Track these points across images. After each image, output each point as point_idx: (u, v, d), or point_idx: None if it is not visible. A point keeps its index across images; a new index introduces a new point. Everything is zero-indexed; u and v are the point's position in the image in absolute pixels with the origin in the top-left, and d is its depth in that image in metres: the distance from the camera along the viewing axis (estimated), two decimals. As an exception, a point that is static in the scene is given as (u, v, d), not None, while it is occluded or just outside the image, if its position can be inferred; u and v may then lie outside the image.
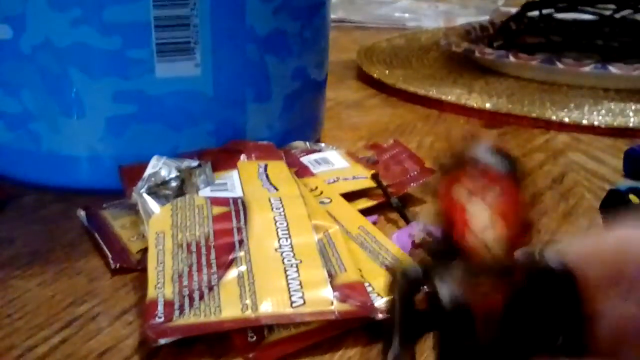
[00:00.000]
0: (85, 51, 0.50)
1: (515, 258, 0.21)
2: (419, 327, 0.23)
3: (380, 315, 0.36)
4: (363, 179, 0.52)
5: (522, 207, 0.21)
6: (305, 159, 0.54)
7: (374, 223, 0.47)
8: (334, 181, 0.51)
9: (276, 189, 0.46)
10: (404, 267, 0.23)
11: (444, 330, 0.22)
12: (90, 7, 0.49)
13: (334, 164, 0.55)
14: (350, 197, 0.49)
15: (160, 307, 0.36)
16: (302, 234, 0.41)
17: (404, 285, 0.22)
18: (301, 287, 0.37)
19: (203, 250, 0.40)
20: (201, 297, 0.36)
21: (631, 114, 0.72)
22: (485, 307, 0.21)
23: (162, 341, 0.34)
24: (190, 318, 0.35)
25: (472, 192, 0.21)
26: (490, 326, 0.21)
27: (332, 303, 0.36)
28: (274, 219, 0.42)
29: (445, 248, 0.22)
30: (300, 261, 0.39)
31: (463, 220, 0.21)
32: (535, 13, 1.05)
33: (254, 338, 0.35)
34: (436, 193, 0.22)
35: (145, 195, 0.45)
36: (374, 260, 0.41)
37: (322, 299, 0.36)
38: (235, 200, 0.45)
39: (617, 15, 1.03)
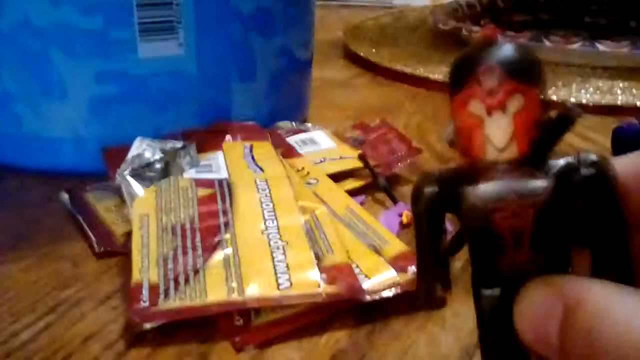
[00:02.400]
0: (66, 31, 0.49)
1: (542, 168, 0.20)
2: (449, 247, 0.22)
3: (367, 297, 0.36)
4: (350, 159, 0.51)
5: (545, 111, 0.20)
6: (292, 140, 0.54)
7: (361, 204, 0.47)
8: (321, 162, 0.51)
9: (262, 170, 0.45)
10: (422, 188, 0.21)
11: (473, 248, 0.21)
12: (70, -14, 0.48)
13: (320, 144, 0.54)
14: (337, 177, 0.49)
15: (145, 291, 0.35)
16: (289, 216, 0.40)
17: (429, 205, 0.21)
18: (288, 269, 0.36)
19: (188, 232, 0.39)
20: (186, 281, 0.36)
21: (619, 91, 0.72)
22: (513, 228, 0.20)
23: (148, 326, 0.34)
24: (175, 302, 0.35)
25: (490, 105, 0.20)
26: (520, 247, 0.20)
27: (319, 285, 0.36)
28: (260, 201, 0.42)
29: (461, 172, 0.20)
30: (287, 243, 0.38)
31: (482, 138, 0.20)
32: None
33: (240, 321, 0.35)
34: (450, 107, 0.20)
35: (129, 178, 0.44)
36: (361, 242, 0.40)
37: (309, 281, 0.36)
38: (220, 181, 0.44)
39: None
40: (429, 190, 0.21)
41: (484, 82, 0.19)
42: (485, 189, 0.20)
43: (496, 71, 0.19)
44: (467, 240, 0.21)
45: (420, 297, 0.22)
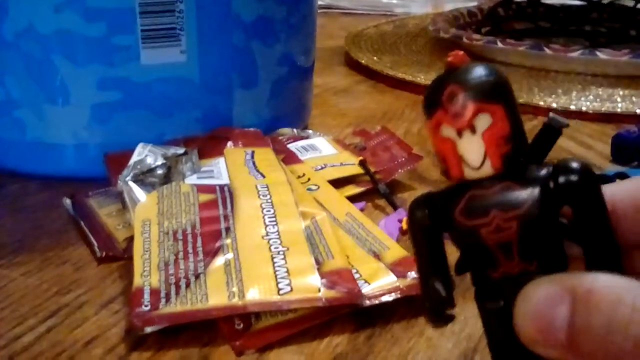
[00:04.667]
0: (69, 38, 0.49)
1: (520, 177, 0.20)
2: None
3: (367, 302, 0.36)
4: (350, 165, 0.52)
5: (515, 124, 0.20)
6: (293, 146, 0.54)
7: (362, 210, 0.47)
8: (322, 168, 0.51)
9: (263, 175, 0.46)
10: (413, 211, 0.22)
11: (469, 263, 0.21)
12: (73, -7, 0.48)
13: (321, 150, 0.54)
14: (337, 183, 0.49)
15: (147, 296, 0.35)
16: (289, 221, 0.41)
17: (421, 227, 0.22)
18: (288, 274, 0.37)
19: (189, 238, 0.40)
20: (187, 285, 0.36)
21: (619, 99, 0.72)
22: (500, 242, 0.20)
23: (149, 329, 0.34)
24: (176, 306, 0.35)
25: (458, 127, 0.20)
26: (511, 259, 0.20)
27: (319, 290, 0.36)
28: (261, 206, 0.42)
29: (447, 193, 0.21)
30: (287, 248, 0.39)
31: (457, 159, 0.20)
32: (523, -1, 1.05)
33: (241, 326, 0.35)
34: (428, 135, 0.21)
35: (131, 183, 0.45)
36: (361, 247, 0.41)
37: (309, 286, 0.36)
38: (221, 187, 0.44)
39: (605, 1, 1.03)
40: (419, 214, 0.22)
41: (448, 107, 0.20)
42: (468, 207, 0.21)
43: (459, 95, 0.20)
44: (462, 256, 0.22)
45: (429, 315, 0.23)
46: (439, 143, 0.21)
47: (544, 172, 0.20)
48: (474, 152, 0.20)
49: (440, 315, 0.22)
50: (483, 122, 0.20)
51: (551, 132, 0.22)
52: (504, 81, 0.20)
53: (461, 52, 0.21)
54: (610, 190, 0.21)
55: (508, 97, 0.20)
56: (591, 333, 0.18)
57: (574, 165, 0.20)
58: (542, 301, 0.19)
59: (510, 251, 0.20)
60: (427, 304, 0.23)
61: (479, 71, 0.20)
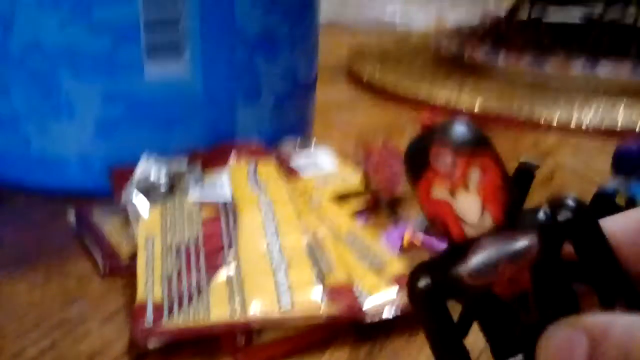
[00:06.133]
0: (74, 52, 0.50)
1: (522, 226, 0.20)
2: (460, 327, 0.22)
3: (367, 318, 0.36)
4: (352, 180, 0.52)
5: (504, 172, 0.20)
6: (295, 160, 0.54)
7: (363, 224, 0.47)
8: (323, 183, 0.51)
9: (265, 190, 0.46)
10: (416, 281, 0.21)
11: (484, 323, 0.21)
12: (79, 8, 0.49)
13: (323, 165, 0.54)
14: (339, 198, 0.50)
15: (149, 310, 0.36)
16: (291, 236, 0.41)
17: (426, 297, 0.21)
18: (289, 289, 0.37)
19: (192, 253, 0.40)
20: (190, 300, 0.36)
21: (619, 115, 0.73)
22: (515, 294, 0.20)
23: (151, 344, 0.34)
24: (179, 321, 0.35)
25: (451, 186, 0.20)
26: (528, 309, 0.20)
27: (320, 306, 0.36)
28: (263, 221, 0.42)
29: (450, 252, 0.20)
30: (289, 263, 0.39)
31: (455, 219, 0.20)
32: (525, 16, 1.05)
33: (243, 340, 0.35)
34: (416, 199, 0.21)
35: (134, 198, 0.45)
36: (362, 262, 0.41)
37: (310, 301, 0.36)
38: (224, 202, 0.44)
39: (606, 19, 1.04)
40: (423, 283, 0.21)
41: (438, 167, 0.20)
42: (476, 265, 0.20)
43: (446, 153, 0.20)
44: (476, 318, 0.21)
45: None
46: (434, 206, 0.20)
47: (540, 213, 0.20)
48: (471, 208, 0.20)
49: None
50: (475, 176, 0.20)
51: (525, 176, 0.22)
52: (482, 132, 0.20)
53: (430, 112, 0.20)
54: (607, 225, 0.21)
55: (491, 146, 0.20)
56: None
57: (568, 201, 0.20)
58: (561, 345, 0.19)
59: (527, 301, 0.20)
60: None
61: (457, 127, 0.20)
